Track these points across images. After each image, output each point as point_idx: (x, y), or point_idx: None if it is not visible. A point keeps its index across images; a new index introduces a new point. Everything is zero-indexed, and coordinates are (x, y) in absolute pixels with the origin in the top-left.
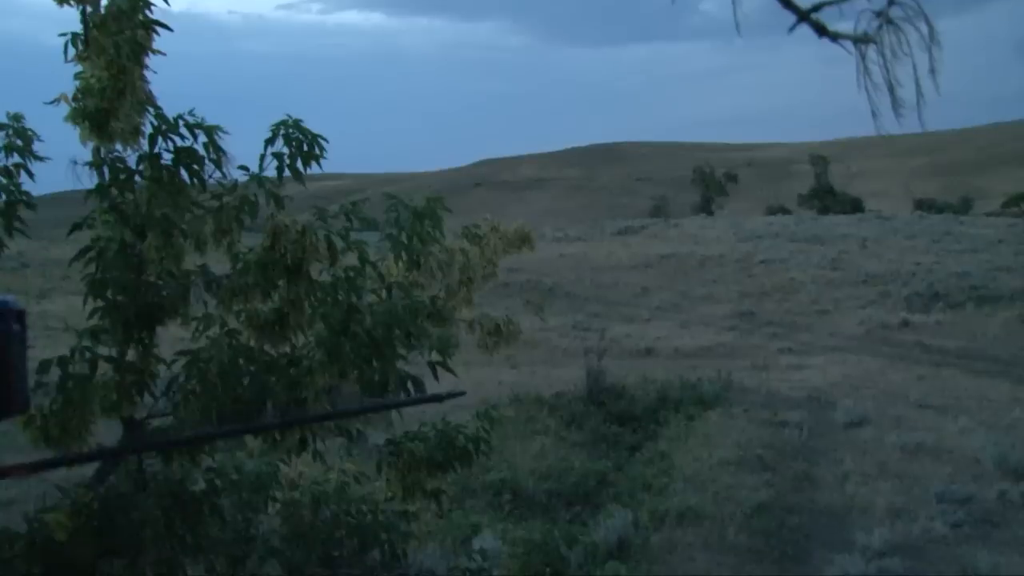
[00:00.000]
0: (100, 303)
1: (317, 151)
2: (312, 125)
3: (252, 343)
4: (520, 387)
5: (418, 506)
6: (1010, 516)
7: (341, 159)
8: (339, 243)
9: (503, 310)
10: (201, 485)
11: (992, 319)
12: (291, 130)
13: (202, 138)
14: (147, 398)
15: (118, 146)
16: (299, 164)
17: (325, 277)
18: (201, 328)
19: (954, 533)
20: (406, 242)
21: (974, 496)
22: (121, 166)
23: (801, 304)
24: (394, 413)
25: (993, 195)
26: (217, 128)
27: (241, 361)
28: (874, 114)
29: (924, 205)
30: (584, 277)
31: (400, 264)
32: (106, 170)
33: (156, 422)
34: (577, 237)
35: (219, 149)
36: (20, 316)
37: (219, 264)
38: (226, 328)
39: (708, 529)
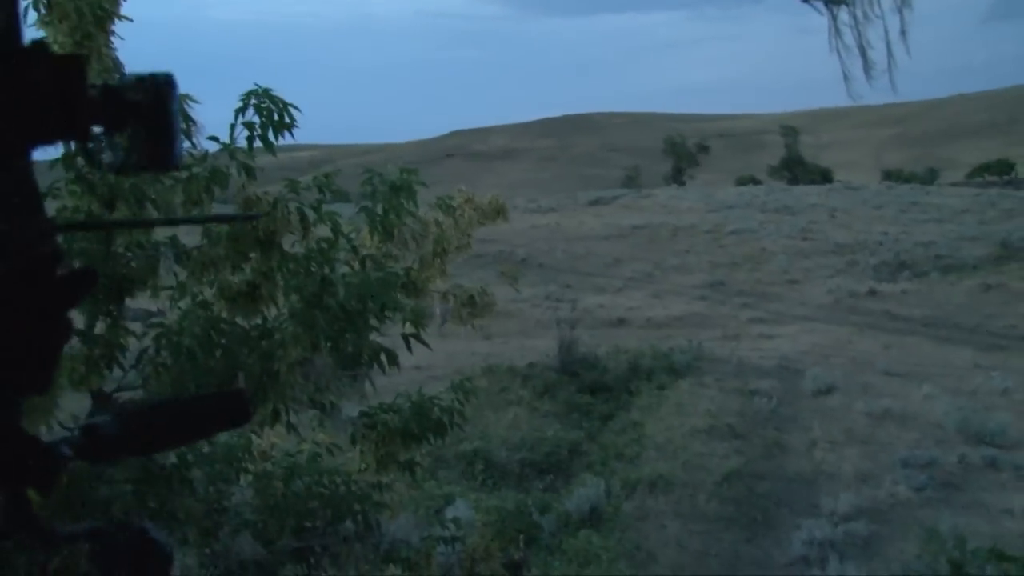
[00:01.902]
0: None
1: (288, 121)
2: (283, 94)
3: (224, 315)
4: (493, 358)
5: (391, 477)
6: (971, 479)
7: (312, 129)
8: (311, 215)
9: (476, 281)
10: (172, 458)
11: (956, 287)
12: (262, 99)
13: None
14: (116, 371)
15: None
16: (270, 134)
17: (297, 249)
18: (176, 297)
19: (918, 496)
20: (382, 215)
21: (937, 460)
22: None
23: (771, 274)
24: (368, 386)
25: (959, 165)
26: (186, 97)
27: (213, 333)
28: (845, 77)
29: (892, 175)
30: (557, 248)
31: (374, 236)
32: None
33: (126, 395)
34: (550, 208)
35: (188, 118)
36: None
37: (189, 235)
38: (198, 299)
39: (679, 496)
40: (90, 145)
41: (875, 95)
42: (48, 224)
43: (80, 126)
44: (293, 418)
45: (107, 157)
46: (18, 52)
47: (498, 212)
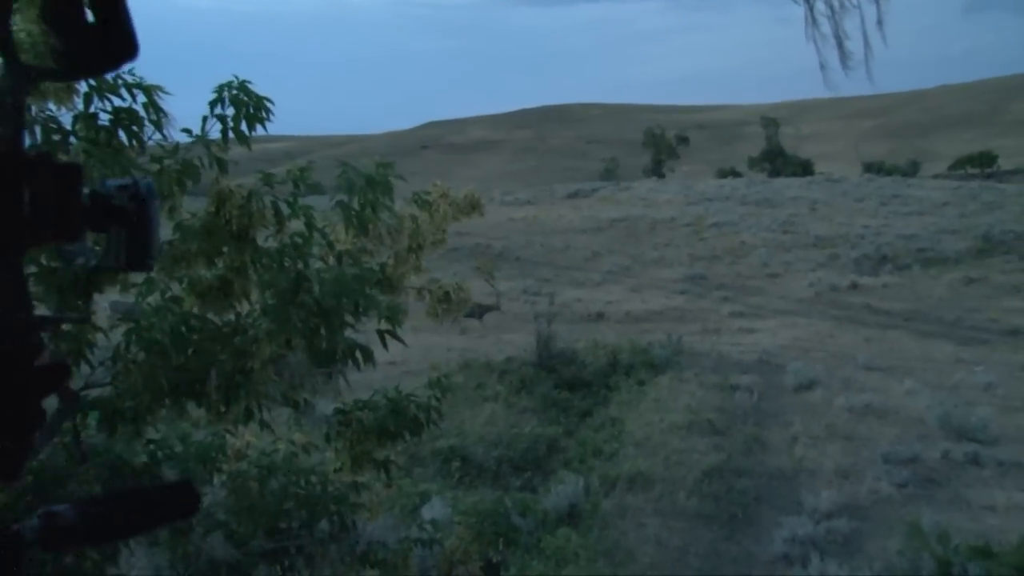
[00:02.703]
0: (33, 269)
1: (263, 114)
2: (257, 85)
3: (196, 311)
4: (469, 353)
5: (367, 476)
6: (953, 475)
7: (287, 120)
8: (286, 209)
9: (452, 275)
10: (143, 458)
11: (937, 281)
12: (237, 92)
13: (141, 98)
14: (84, 367)
15: (51, 105)
16: (244, 127)
17: (271, 244)
18: (144, 292)
19: (900, 493)
20: (358, 210)
21: (919, 456)
22: (55, 126)
23: (752, 267)
24: (342, 383)
25: (941, 157)
26: (157, 88)
27: (185, 329)
28: (822, 67)
29: (873, 167)
30: (534, 241)
31: (349, 231)
32: (38, 130)
33: (94, 392)
34: (527, 200)
35: (160, 110)
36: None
37: (160, 229)
38: (169, 295)
39: (659, 493)
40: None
41: (854, 86)
42: (34, 319)
43: (72, 230)
44: (267, 416)
45: (80, 258)
46: (22, 162)
47: (473, 207)
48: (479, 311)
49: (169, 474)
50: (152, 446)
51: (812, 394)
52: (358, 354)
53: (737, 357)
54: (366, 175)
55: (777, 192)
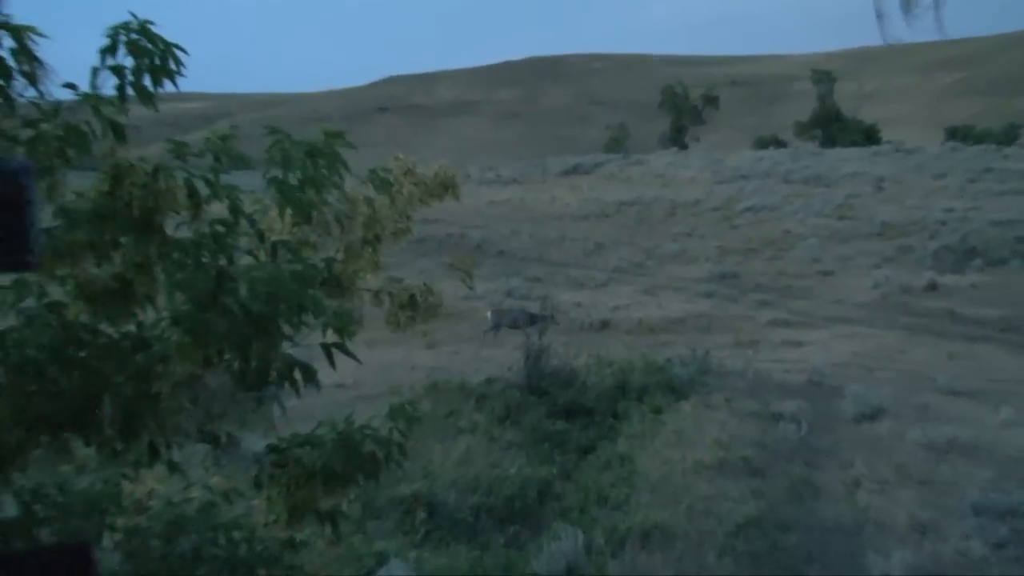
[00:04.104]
0: None
1: (172, 65)
2: (161, 28)
3: (84, 320)
4: (439, 372)
5: (308, 531)
6: None
7: (202, 75)
8: (203, 188)
9: (418, 273)
10: (14, 512)
11: None
12: (137, 36)
13: (9, 42)
14: None
15: None
16: (147, 82)
17: (184, 233)
18: (11, 301)
19: (996, 554)
20: (298, 189)
21: (1021, 507)
22: None
23: (798, 263)
24: (277, 411)
25: None
26: (29, 29)
27: (68, 344)
28: (879, 16)
29: (958, 134)
30: (521, 230)
31: (287, 217)
32: None
33: None
34: (512, 179)
35: (34, 58)
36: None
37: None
38: (46, 300)
39: (680, 552)
40: None
41: (921, 33)
42: None
43: None
44: (177, 456)
45: None
46: None
47: (446, 187)
48: (522, 320)
49: (47, 533)
50: (26, 496)
51: (878, 425)
52: (297, 374)
53: (780, 378)
54: (308, 146)
55: (832, 167)
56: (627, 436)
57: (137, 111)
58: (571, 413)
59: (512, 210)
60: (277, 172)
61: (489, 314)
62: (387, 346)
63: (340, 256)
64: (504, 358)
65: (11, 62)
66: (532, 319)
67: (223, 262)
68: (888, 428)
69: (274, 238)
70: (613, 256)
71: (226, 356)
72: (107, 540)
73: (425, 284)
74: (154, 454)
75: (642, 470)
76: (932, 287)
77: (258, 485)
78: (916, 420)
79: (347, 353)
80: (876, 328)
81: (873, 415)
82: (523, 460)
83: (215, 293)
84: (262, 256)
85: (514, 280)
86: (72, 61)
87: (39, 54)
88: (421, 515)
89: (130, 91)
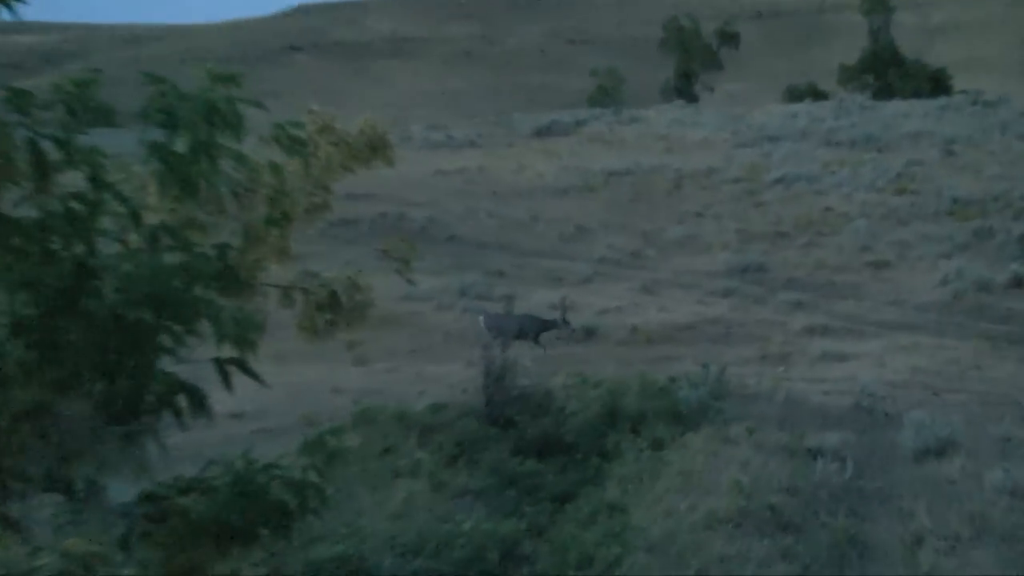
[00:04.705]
0: None
1: None
2: None
3: None
4: (371, 396)
5: None
6: None
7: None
8: (54, 152)
9: (342, 265)
10: None
11: None
12: None
13: None
14: None
15: None
16: None
17: (27, 212)
18: None
19: None
20: (186, 159)
21: None
22: None
23: (843, 252)
24: (154, 449)
25: None
26: None
27: None
28: None
29: None
30: (480, 209)
31: (167, 192)
32: None
33: None
34: (468, 141)
35: None
36: None
37: None
38: None
39: None
40: None
41: None
42: None
43: None
44: (17, 510)
45: None
46: None
47: (376, 149)
48: (530, 328)
49: None
50: None
51: (946, 464)
52: (182, 400)
53: (819, 402)
54: (197, 97)
55: (887, 125)
56: (618, 479)
57: None
58: (545, 449)
59: (467, 182)
60: (158, 135)
61: (481, 319)
62: (301, 362)
63: (238, 242)
64: (456, 377)
65: None
66: (543, 326)
67: (81, 251)
68: (960, 468)
69: (151, 220)
70: (601, 243)
71: (86, 377)
72: None
73: (351, 279)
74: None
75: (638, 524)
76: (1017, 283)
77: (126, 545)
78: (997, 457)
79: (247, 372)
80: (945, 337)
81: (940, 450)
82: (481, 512)
83: (71, 293)
84: (134, 243)
85: (470, 274)
86: None
87: None
88: None
89: None
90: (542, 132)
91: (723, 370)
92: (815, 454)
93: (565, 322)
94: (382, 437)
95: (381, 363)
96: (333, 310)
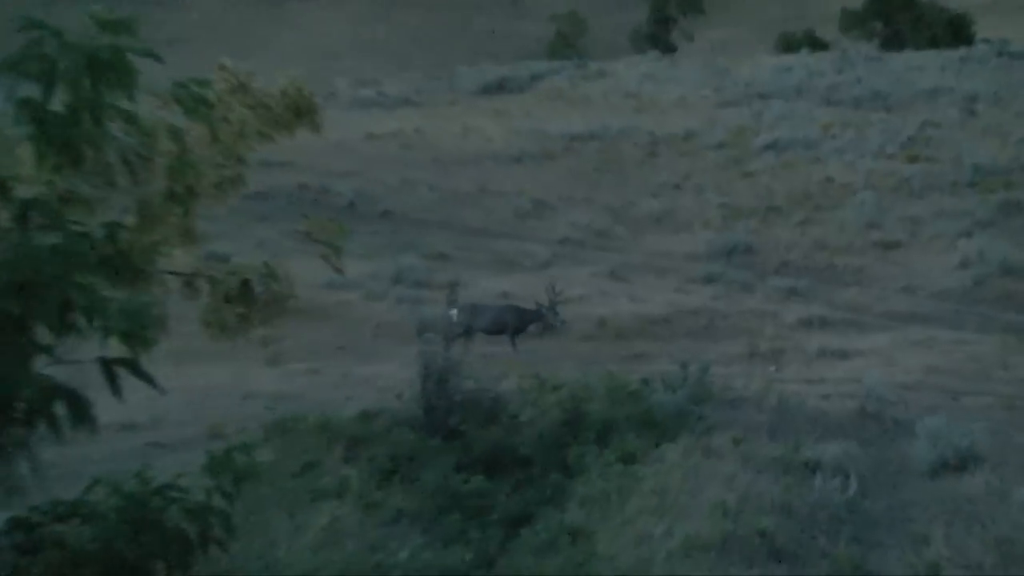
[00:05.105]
0: None
1: None
2: None
3: None
4: (289, 402)
5: None
6: None
7: None
8: None
9: (255, 248)
10: None
11: None
12: None
13: None
14: None
15: None
16: None
17: None
18: None
19: None
20: (65, 120)
21: None
22: None
23: (845, 231)
24: (24, 467)
25: None
26: None
27: None
28: None
29: None
30: (418, 180)
31: (44, 160)
32: None
33: None
34: (404, 99)
35: None
36: None
37: None
38: None
39: None
40: None
41: None
42: None
43: None
44: None
45: None
46: None
47: (300, 112)
48: (512, 320)
49: None
50: None
51: (967, 480)
52: (60, 407)
53: (817, 407)
54: (81, 47)
55: (898, 80)
56: (582, 499)
57: None
58: (495, 465)
59: (403, 148)
60: (31, 90)
61: (454, 311)
62: (206, 362)
63: (130, 220)
64: (390, 379)
65: None
66: (527, 319)
67: None
68: (983, 485)
69: (24, 194)
70: (561, 220)
71: None
72: None
73: (267, 264)
74: None
75: (605, 552)
76: None
77: None
78: None
79: (140, 374)
80: (965, 330)
81: (960, 464)
82: (419, 539)
83: None
84: (4, 221)
85: (407, 256)
86: None
87: None
88: None
89: None
90: (491, 88)
91: (705, 370)
92: (812, 469)
93: (554, 313)
94: (302, 451)
95: (301, 363)
96: (245, 302)
